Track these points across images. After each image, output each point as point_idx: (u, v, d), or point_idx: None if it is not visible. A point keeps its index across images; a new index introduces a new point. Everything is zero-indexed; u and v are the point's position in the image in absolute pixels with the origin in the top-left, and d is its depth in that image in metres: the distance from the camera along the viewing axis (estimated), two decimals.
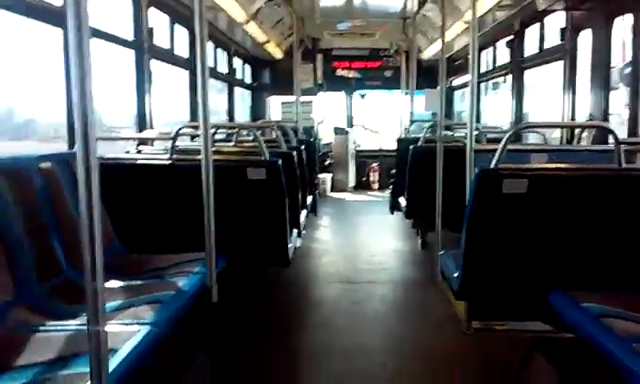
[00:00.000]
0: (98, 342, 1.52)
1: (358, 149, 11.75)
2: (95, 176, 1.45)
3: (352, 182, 11.60)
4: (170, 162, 3.37)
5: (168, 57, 5.81)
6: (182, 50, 6.27)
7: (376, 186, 11.55)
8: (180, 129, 3.55)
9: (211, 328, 2.84)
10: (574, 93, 5.06)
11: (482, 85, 8.34)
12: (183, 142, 5.07)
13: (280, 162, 3.24)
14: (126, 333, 2.05)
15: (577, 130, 4.74)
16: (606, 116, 4.29)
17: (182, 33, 6.16)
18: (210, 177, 2.68)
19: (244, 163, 3.27)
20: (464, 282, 2.78)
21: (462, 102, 10.61)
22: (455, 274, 2.87)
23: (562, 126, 5.23)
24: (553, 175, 2.55)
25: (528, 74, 6.51)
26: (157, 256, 3.15)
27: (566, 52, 5.17)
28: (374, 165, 11.60)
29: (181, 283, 2.69)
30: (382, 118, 12.11)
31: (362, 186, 11.61)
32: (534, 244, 2.65)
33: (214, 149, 4.55)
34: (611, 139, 2.71)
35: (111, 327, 2.11)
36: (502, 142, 2.51)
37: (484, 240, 2.64)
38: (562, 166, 2.78)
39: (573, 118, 5.03)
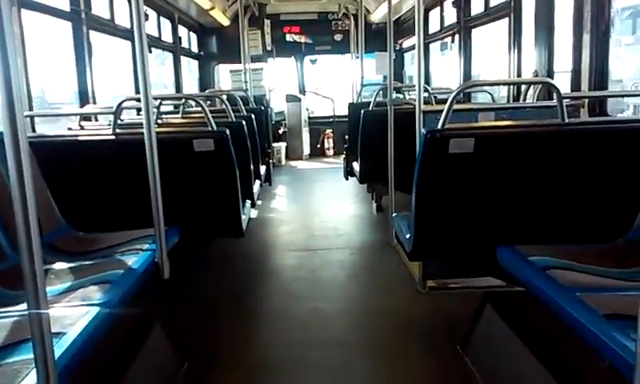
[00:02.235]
0: (40, 327, 1.46)
1: (311, 116, 11.69)
2: (26, 155, 1.37)
3: (307, 149, 11.56)
4: (112, 136, 3.25)
5: (108, 27, 5.57)
6: (125, 20, 6.03)
7: (331, 152, 11.56)
8: (122, 102, 3.42)
9: (164, 304, 2.79)
10: (519, 51, 5.12)
11: (433, 46, 8.36)
12: (130, 116, 4.92)
13: (228, 131, 3.16)
14: (74, 315, 1.98)
15: (523, 88, 4.81)
16: (550, 72, 4.36)
17: (123, 2, 5.91)
18: (153, 150, 2.59)
19: (190, 135, 3.18)
20: (416, 243, 2.81)
21: (412, 65, 10.64)
22: (407, 236, 2.90)
23: (505, 84, 5.31)
24: (498, 133, 2.57)
25: (479, 35, 6.54)
26: (106, 234, 3.06)
27: (511, 9, 5.21)
28: (328, 131, 11.59)
29: (130, 261, 2.62)
30: (334, 84, 12.05)
31: (317, 152, 11.60)
32: (483, 202, 2.69)
33: (160, 121, 4.47)
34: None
35: (57, 310, 2.05)
36: (448, 102, 2.51)
37: (433, 200, 2.66)
38: (507, 123, 2.82)
39: (519, 76, 5.10)
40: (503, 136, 2.55)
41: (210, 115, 3.28)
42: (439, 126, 2.49)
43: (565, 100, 2.65)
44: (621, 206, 2.53)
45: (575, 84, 3.91)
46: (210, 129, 3.25)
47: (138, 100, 2.88)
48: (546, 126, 2.63)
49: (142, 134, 2.61)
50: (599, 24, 3.71)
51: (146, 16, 6.61)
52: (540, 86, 4.25)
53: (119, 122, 3.40)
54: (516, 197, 2.66)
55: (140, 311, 2.68)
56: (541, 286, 2.08)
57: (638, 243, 1.40)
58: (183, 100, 5.13)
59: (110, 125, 3.43)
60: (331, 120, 11.49)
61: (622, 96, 3.82)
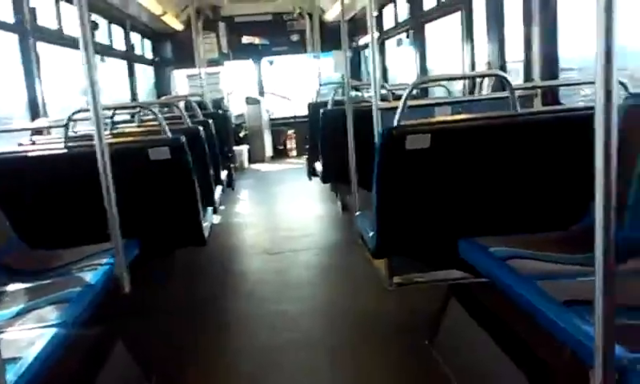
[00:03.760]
0: None
1: (272, 117, 11.62)
2: None
3: (269, 151, 11.50)
4: (64, 150, 3.16)
5: (56, 37, 5.41)
6: (75, 29, 5.86)
7: (294, 153, 11.52)
8: (72, 114, 3.32)
9: (126, 320, 2.72)
10: (472, 44, 5.20)
11: (390, 42, 8.41)
12: (84, 127, 4.79)
13: (183, 138, 3.10)
14: (29, 338, 1.91)
15: (478, 80, 4.88)
16: (502, 64, 4.44)
17: (71, 11, 5.75)
18: (106, 162, 2.52)
19: (145, 143, 3.11)
20: (379, 240, 2.81)
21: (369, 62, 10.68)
22: (370, 234, 2.90)
23: (458, 78, 5.38)
24: (453, 127, 2.60)
25: (434, 29, 6.61)
26: (62, 251, 2.97)
27: (463, 3, 5.28)
28: (290, 132, 11.55)
29: (89, 277, 2.55)
30: (293, 84, 12.01)
31: (280, 154, 11.55)
32: (443, 196, 2.71)
33: (115, 131, 4.36)
34: None
35: (11, 334, 1.97)
36: (403, 98, 2.52)
37: (394, 197, 2.66)
38: (462, 117, 2.85)
39: (473, 69, 5.18)
40: (458, 130, 2.57)
41: (164, 123, 3.22)
42: (395, 123, 2.49)
43: (517, 90, 2.69)
44: (575, 193, 2.57)
45: (527, 74, 3.99)
46: (165, 136, 3.19)
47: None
48: (499, 117, 2.66)
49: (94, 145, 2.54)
50: (547, 14, 3.79)
51: (96, 25, 6.45)
52: (494, 78, 4.31)
53: (73, 134, 3.31)
54: (475, 189, 2.69)
55: (101, 329, 2.60)
56: (501, 277, 2.10)
57: (591, 229, 1.43)
58: (138, 109, 5.02)
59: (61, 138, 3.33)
60: (292, 121, 11.45)
61: (569, 85, 3.90)
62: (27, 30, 4.66)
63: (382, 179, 2.60)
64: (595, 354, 1.41)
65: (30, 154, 3.24)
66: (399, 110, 2.49)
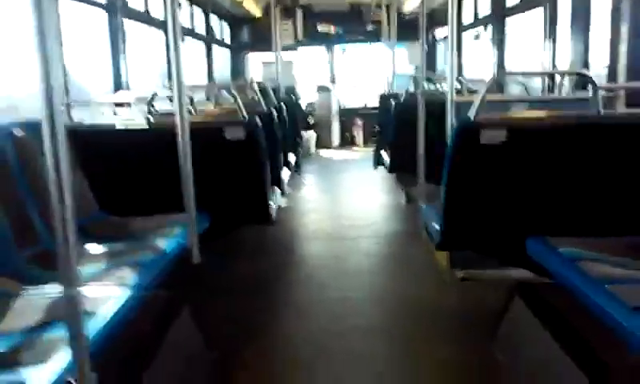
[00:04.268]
0: (73, 305, 1.51)
1: (342, 107, 11.66)
2: (62, 142, 1.41)
3: (336, 139, 11.56)
4: (146, 125, 3.32)
5: (143, 17, 5.66)
6: (160, 10, 6.12)
7: (360, 142, 11.52)
8: (155, 92, 3.48)
9: (193, 289, 2.84)
10: (554, 41, 5.02)
11: (467, 35, 8.23)
12: (164, 104, 5.00)
13: (258, 120, 3.19)
14: (106, 296, 2.04)
15: (558, 79, 4.72)
16: (586, 63, 4.26)
17: None
18: (185, 138, 2.64)
19: (222, 123, 3.22)
20: (444, 233, 2.80)
21: (445, 55, 10.50)
22: (436, 227, 2.89)
23: (538, 74, 5.21)
24: (530, 124, 2.54)
25: (514, 26, 6.42)
26: (138, 219, 3.14)
27: None
28: (358, 121, 11.55)
29: (162, 245, 2.68)
30: (365, 74, 11.97)
31: (347, 142, 11.59)
32: (513, 193, 2.66)
33: (193, 110, 4.53)
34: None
35: (89, 291, 2.11)
36: (482, 92, 2.49)
37: (463, 191, 2.64)
38: (540, 114, 2.77)
39: (554, 67, 5.00)
40: (535, 127, 2.51)
41: (241, 104, 3.32)
42: (471, 117, 2.46)
43: (600, 91, 2.59)
44: None
45: (611, 74, 3.82)
46: (241, 118, 3.29)
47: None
48: (581, 117, 2.58)
49: (174, 123, 2.66)
50: (637, 13, 3.61)
51: (179, 5, 6.66)
52: (575, 77, 4.16)
53: (153, 111, 3.47)
54: (547, 188, 2.62)
55: (170, 295, 2.74)
56: (570, 278, 2.05)
57: None
58: (216, 89, 5.18)
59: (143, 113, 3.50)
60: (361, 110, 11.44)
61: None
62: (117, 8, 4.89)
63: (453, 172, 2.58)
64: None
65: (115, 128, 3.42)
66: (476, 104, 2.46)
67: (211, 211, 3.13)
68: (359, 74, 12.01)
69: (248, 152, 3.20)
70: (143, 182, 3.35)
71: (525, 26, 6.31)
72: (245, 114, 3.30)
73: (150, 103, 3.40)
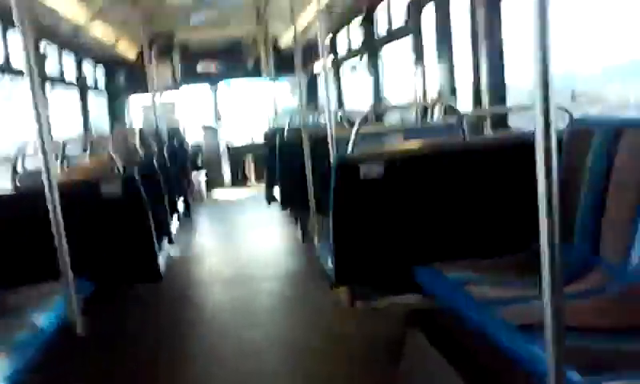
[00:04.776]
0: None
1: (229, 145, 11.55)
2: None
3: (228, 178, 11.42)
4: (10, 190, 3.05)
5: (3, 67, 5.27)
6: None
7: (252, 179, 11.45)
8: (18, 153, 3.22)
9: (78, 365, 2.62)
10: (423, 69, 5.31)
11: (347, 67, 8.50)
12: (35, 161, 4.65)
13: (136, 172, 3.05)
14: None
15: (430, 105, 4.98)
16: (453, 88, 4.54)
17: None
18: (55, 199, 2.45)
19: (96, 179, 3.04)
20: (338, 268, 2.82)
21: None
22: (329, 263, 2.90)
23: (404, 107, 5.48)
24: (405, 156, 2.64)
25: (390, 54, 6.70)
26: (11, 292, 2.86)
27: (412, 29, 5.39)
28: (248, 158, 11.49)
29: (38, 320, 2.45)
30: (250, 110, 11.98)
31: (239, 181, 11.48)
32: (398, 222, 2.73)
33: (66, 164, 4.26)
34: None
35: None
36: (354, 130, 2.55)
37: (349, 226, 2.68)
38: (413, 146, 2.89)
39: (424, 93, 5.28)
40: (410, 158, 2.62)
41: (116, 157, 3.16)
42: (348, 152, 2.51)
43: (467, 117, 2.76)
44: (525, 217, 2.64)
45: (476, 99, 4.09)
46: (117, 171, 3.13)
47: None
48: (449, 145, 2.72)
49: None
50: (493, 40, 3.91)
51: (44, 56, 6.32)
52: (445, 103, 4.40)
53: (22, 170, 3.21)
54: (429, 216, 2.72)
55: (54, 374, 2.51)
56: (457, 303, 2.13)
57: None
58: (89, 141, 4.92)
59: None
60: (251, 147, 11.40)
61: (511, 111, 3.99)
62: None
63: (337, 207, 2.61)
64: (548, 378, 1.44)
65: None
66: (351, 140, 2.52)
67: (93, 275, 2.92)
68: (245, 110, 11.99)
69: (127, 206, 3.04)
70: (13, 251, 3.06)
71: (400, 54, 6.64)
72: (120, 166, 3.15)
73: (14, 163, 3.14)
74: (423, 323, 2.76)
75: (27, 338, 2.27)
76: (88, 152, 4.70)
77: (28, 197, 2.93)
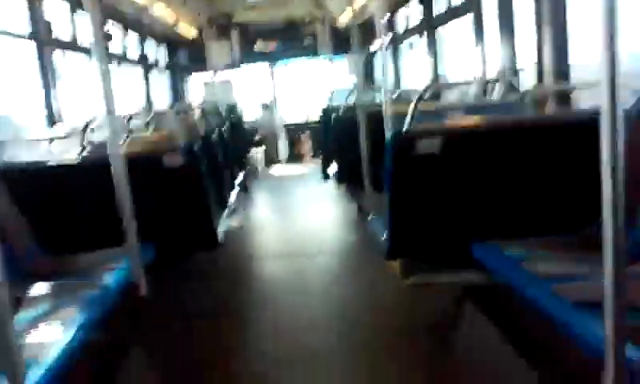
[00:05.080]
0: (11, 355, 1.43)
1: (285, 123, 11.66)
2: None
3: (284, 154, 11.55)
4: (79, 160, 3.22)
5: (71, 46, 5.51)
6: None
7: (309, 156, 11.54)
8: (87, 124, 3.38)
9: (142, 323, 2.76)
10: (483, 47, 5.19)
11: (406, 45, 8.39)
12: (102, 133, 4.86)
13: (197, 146, 3.15)
14: (49, 341, 1.95)
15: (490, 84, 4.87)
16: (514, 66, 4.42)
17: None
18: (120, 170, 2.57)
19: (159, 151, 3.16)
20: (392, 243, 2.83)
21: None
22: (384, 237, 2.92)
23: (466, 84, 5.37)
24: (464, 131, 2.61)
25: (453, 31, 6.57)
26: (81, 255, 3.03)
27: (473, 6, 5.27)
28: (305, 135, 11.57)
29: (106, 281, 2.60)
30: (308, 88, 12.03)
31: (295, 157, 11.59)
32: (454, 199, 2.71)
33: (129, 138, 4.42)
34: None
35: (31, 337, 2.02)
36: (412, 104, 2.54)
37: (406, 200, 2.68)
38: (472, 122, 2.85)
39: (484, 72, 5.17)
40: (468, 134, 2.58)
41: (177, 131, 3.27)
42: (405, 128, 2.51)
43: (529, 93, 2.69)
44: (588, 195, 2.57)
45: (540, 76, 3.98)
46: (178, 144, 3.24)
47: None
48: (508, 121, 2.67)
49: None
50: (558, 16, 3.78)
51: (109, 36, 6.55)
52: (507, 80, 4.30)
53: (89, 141, 3.37)
54: (486, 192, 2.69)
55: (119, 333, 2.65)
56: (515, 279, 2.11)
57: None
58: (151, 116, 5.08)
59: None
60: (307, 124, 11.48)
61: (574, 88, 3.85)
62: (43, 38, 4.75)
63: (393, 183, 2.61)
64: (606, 355, 1.42)
65: (48, 164, 3.30)
66: (409, 116, 2.51)
67: (156, 241, 3.06)
68: (302, 88, 12.06)
69: (188, 178, 3.15)
70: (82, 218, 3.24)
71: (460, 33, 6.50)
72: (181, 140, 3.25)
73: (82, 135, 3.30)
74: (479, 299, 2.75)
75: (95, 296, 2.41)
76: (152, 127, 4.86)
77: (95, 166, 3.08)
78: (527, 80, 4.39)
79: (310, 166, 10.62)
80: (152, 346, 2.86)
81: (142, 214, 2.73)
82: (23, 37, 4.62)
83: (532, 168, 2.66)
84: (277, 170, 10.89)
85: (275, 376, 2.93)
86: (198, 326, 3.53)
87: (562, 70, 3.86)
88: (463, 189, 2.66)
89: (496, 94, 4.45)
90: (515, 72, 4.42)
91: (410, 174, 2.57)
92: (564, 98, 3.96)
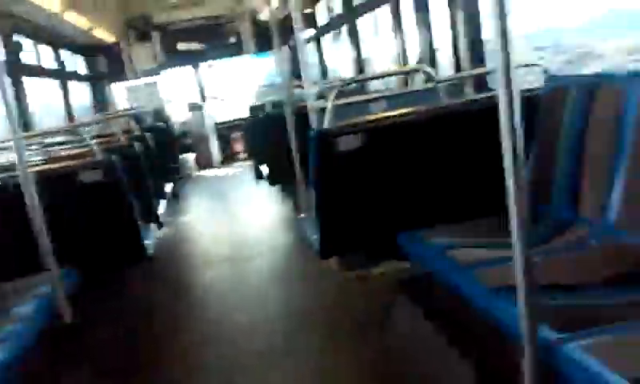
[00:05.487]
0: None
1: (217, 122, 11.46)
2: None
3: (217, 156, 11.36)
4: None
5: None
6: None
7: (242, 156, 11.39)
8: None
9: (68, 353, 2.64)
10: (402, 36, 5.27)
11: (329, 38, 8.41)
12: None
13: (115, 158, 3.03)
14: None
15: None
16: (432, 54, 4.51)
17: None
18: (31, 190, 2.45)
19: (76, 167, 3.03)
20: (324, 242, 2.83)
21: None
22: (314, 236, 2.91)
23: (381, 76, 5.46)
24: (383, 124, 2.63)
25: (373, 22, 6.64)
26: None
27: None
28: (238, 135, 11.40)
29: (25, 311, 2.46)
30: (235, 87, 11.87)
31: (229, 158, 11.43)
32: (380, 192, 2.73)
33: (47, 157, 4.21)
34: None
35: None
36: (329, 101, 2.54)
37: (332, 197, 2.68)
38: (391, 113, 2.87)
39: (404, 60, 5.25)
40: (386, 127, 2.61)
41: (94, 144, 3.14)
42: (325, 125, 2.50)
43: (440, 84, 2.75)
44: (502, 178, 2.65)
45: (457, 62, 4.07)
46: (96, 158, 3.11)
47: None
48: (426, 110, 2.71)
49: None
50: (470, 3, 3.87)
51: (19, 45, 6.22)
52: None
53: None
54: (409, 183, 2.73)
55: (46, 364, 2.52)
56: (439, 268, 2.15)
57: None
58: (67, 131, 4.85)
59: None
60: (238, 123, 11.32)
61: (487, 73, 3.94)
62: None
63: (318, 181, 2.61)
64: (522, 336, 1.46)
65: None
66: (327, 112, 2.50)
67: (81, 262, 2.93)
68: (230, 87, 11.87)
69: (109, 193, 3.03)
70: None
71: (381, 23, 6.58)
72: (99, 154, 3.13)
73: None
74: (409, 289, 2.79)
75: (15, 330, 2.28)
76: (70, 142, 4.65)
77: (6, 190, 2.91)
78: (448, 66, 4.49)
79: (245, 166, 10.50)
80: (80, 378, 2.75)
81: (63, 236, 2.61)
82: None
83: (450, 155, 2.71)
84: (210, 173, 10.71)
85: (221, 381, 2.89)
86: (130, 344, 3.42)
87: (477, 53, 3.97)
88: (387, 181, 2.69)
89: (417, 82, 4.54)
90: (432, 59, 4.51)
91: (334, 171, 2.57)
92: (482, 80, 4.06)
